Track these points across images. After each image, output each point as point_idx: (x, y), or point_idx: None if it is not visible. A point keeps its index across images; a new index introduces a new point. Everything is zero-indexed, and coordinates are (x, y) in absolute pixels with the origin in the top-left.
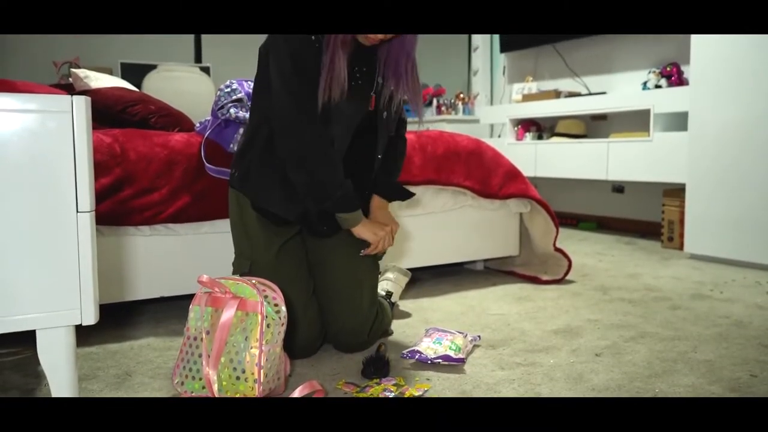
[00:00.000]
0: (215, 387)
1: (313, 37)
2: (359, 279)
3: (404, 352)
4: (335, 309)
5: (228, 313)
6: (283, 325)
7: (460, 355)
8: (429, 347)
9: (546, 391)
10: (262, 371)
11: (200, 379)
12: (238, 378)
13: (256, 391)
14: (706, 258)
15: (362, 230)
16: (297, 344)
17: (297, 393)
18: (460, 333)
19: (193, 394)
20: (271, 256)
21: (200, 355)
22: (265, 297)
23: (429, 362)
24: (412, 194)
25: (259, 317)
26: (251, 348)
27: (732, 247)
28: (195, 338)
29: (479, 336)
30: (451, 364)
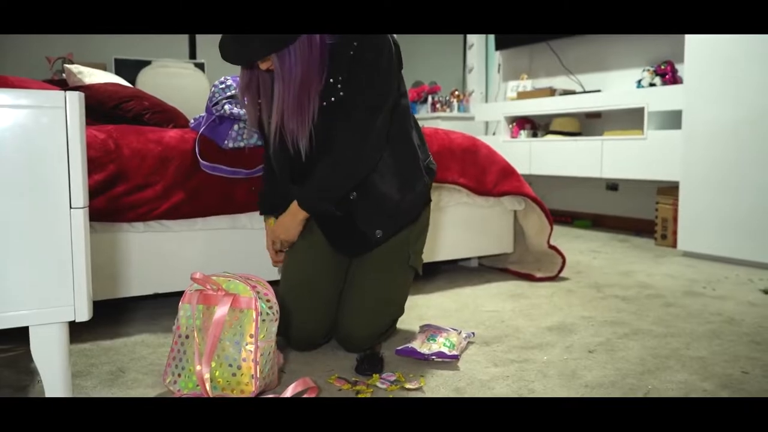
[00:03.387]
0: (208, 385)
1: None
2: (383, 296)
3: (398, 348)
4: (350, 317)
5: (222, 310)
6: (276, 320)
7: (455, 352)
8: (423, 344)
9: (539, 388)
10: (258, 367)
11: (193, 377)
12: (234, 375)
13: (252, 387)
14: (699, 255)
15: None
16: (298, 337)
17: (290, 391)
18: (454, 330)
19: (186, 393)
20: (302, 241)
21: (193, 353)
22: (257, 293)
23: (423, 359)
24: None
25: (254, 313)
26: (246, 344)
27: (725, 244)
28: (186, 336)
29: (473, 333)
30: (445, 361)
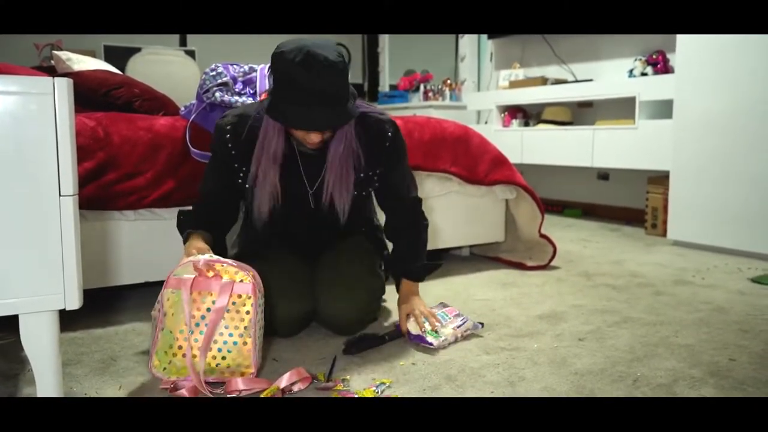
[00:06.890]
0: (201, 371)
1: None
2: (358, 269)
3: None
4: (332, 298)
5: (222, 300)
6: (262, 305)
7: (432, 340)
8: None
9: (530, 375)
10: (256, 351)
11: (183, 365)
12: (228, 359)
13: (252, 369)
14: (689, 245)
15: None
16: (280, 322)
17: (285, 380)
18: (463, 318)
19: (174, 378)
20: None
21: (175, 337)
22: (253, 277)
23: (410, 339)
24: (434, 267)
25: (252, 299)
26: (243, 330)
27: (714, 234)
28: (168, 314)
29: (481, 324)
30: (429, 348)
